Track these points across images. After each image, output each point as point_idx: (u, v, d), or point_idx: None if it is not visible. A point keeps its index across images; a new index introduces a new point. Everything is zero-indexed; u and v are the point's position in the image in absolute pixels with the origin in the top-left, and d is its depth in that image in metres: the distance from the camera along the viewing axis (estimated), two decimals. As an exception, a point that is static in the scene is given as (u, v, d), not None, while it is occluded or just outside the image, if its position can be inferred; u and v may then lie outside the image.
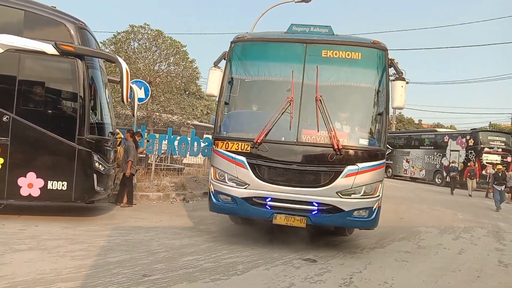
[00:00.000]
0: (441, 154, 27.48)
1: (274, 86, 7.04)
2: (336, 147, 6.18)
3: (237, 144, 6.53)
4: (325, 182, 6.28)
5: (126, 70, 7.73)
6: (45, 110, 7.64)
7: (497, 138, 25.51)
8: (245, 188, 6.41)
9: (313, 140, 6.42)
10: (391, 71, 7.07)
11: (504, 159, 24.18)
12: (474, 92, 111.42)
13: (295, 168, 6.36)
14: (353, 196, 6.28)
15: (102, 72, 8.84)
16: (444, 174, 26.74)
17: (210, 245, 6.73)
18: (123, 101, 8.15)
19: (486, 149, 24.69)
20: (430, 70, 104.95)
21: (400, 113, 47.19)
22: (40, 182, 7.38)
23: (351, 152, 6.39)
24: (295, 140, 6.41)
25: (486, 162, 24.14)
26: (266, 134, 6.38)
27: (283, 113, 6.46)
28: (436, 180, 27.70)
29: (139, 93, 12.22)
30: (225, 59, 7.07)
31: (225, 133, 6.83)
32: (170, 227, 7.80)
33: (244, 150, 6.47)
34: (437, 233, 9.45)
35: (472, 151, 25.05)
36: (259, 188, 6.36)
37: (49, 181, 7.39)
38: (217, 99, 7.08)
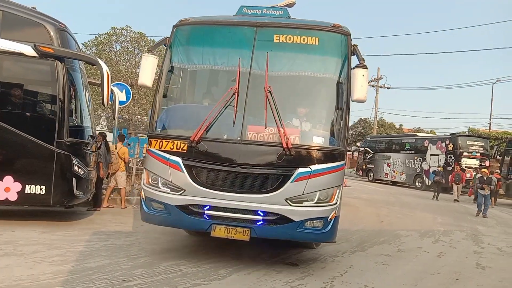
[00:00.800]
0: (421, 159, 27.87)
1: (220, 76, 6.42)
2: (285, 146, 5.32)
3: (172, 143, 5.65)
4: (273, 187, 5.45)
5: (107, 73, 7.65)
6: (24, 112, 7.51)
7: (476, 143, 26.01)
8: (180, 195, 5.55)
9: (260, 137, 5.56)
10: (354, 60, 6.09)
11: (482, 163, 24.64)
12: (454, 98, 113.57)
13: (238, 171, 5.48)
14: (305, 203, 5.43)
15: (82, 75, 8.74)
16: (424, 177, 27.16)
17: (191, 249, 6.68)
18: (103, 104, 8.06)
19: (465, 154, 25.15)
20: (411, 76, 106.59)
21: (381, 117, 47.77)
22: (18, 186, 7.24)
23: (303, 152, 5.56)
24: (239, 138, 5.53)
25: (465, 166, 24.56)
26: (205, 131, 5.55)
27: (226, 106, 5.64)
28: (417, 184, 28.10)
29: (120, 96, 12.09)
30: (165, 45, 6.28)
31: (159, 130, 6.00)
32: (151, 232, 7.71)
33: (180, 150, 5.60)
34: (417, 237, 9.57)
35: (452, 156, 25.47)
36: (196, 194, 5.49)
37: (27, 185, 7.25)
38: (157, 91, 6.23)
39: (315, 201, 5.47)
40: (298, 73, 6.12)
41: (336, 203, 5.62)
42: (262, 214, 5.41)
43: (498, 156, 26.35)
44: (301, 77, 6.14)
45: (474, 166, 24.27)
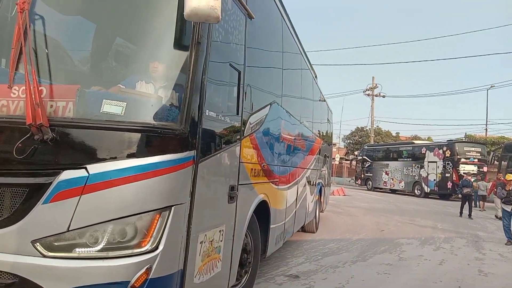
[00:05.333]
0: (419, 166, 27.90)
1: None
2: (30, 121, 2.61)
3: None
4: (9, 215, 2.71)
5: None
6: None
7: (473, 149, 26.09)
8: None
9: (2, 107, 2.88)
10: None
11: (480, 169, 24.68)
12: (449, 104, 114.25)
13: None
14: (77, 252, 2.64)
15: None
16: (423, 185, 27.16)
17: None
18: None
19: (462, 160, 25.18)
20: (406, 84, 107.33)
21: (377, 126, 47.91)
22: None
23: (76, 134, 2.78)
24: None
25: (463, 173, 24.58)
26: None
27: None
28: (416, 191, 28.11)
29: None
30: None
31: None
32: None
33: None
34: (418, 245, 9.52)
35: (449, 162, 25.50)
36: None
37: None
38: None
39: (100, 245, 2.64)
40: None
41: (156, 248, 2.69)
42: None
43: (495, 162, 26.44)
44: None
45: (472, 172, 24.31)
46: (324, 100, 11.71)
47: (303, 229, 9.43)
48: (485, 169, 24.95)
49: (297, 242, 8.64)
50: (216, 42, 3.23)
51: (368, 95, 40.81)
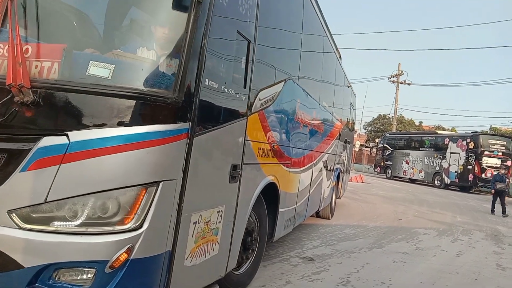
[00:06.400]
0: (441, 157, 27.50)
1: None
2: (11, 81, 2.44)
3: None
4: None
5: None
6: None
7: (498, 142, 25.53)
8: None
9: None
10: None
11: (504, 163, 24.17)
12: (476, 95, 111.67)
13: None
14: (54, 225, 2.45)
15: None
16: (443, 176, 26.77)
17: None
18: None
19: (486, 153, 24.71)
20: (432, 72, 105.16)
21: (401, 114, 47.23)
22: None
23: (60, 97, 2.54)
24: None
25: (486, 166, 24.16)
26: None
27: None
28: (436, 182, 27.76)
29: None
30: None
31: None
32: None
33: None
34: (436, 235, 9.43)
35: (472, 154, 25.05)
36: None
37: None
38: None
39: (79, 220, 2.45)
40: None
41: (140, 226, 2.49)
42: None
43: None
44: None
45: (495, 166, 23.84)
46: (349, 83, 11.34)
47: (317, 215, 9.41)
48: (509, 163, 24.42)
49: (313, 225, 8.65)
50: (222, 4, 2.93)
51: (393, 82, 40.12)
